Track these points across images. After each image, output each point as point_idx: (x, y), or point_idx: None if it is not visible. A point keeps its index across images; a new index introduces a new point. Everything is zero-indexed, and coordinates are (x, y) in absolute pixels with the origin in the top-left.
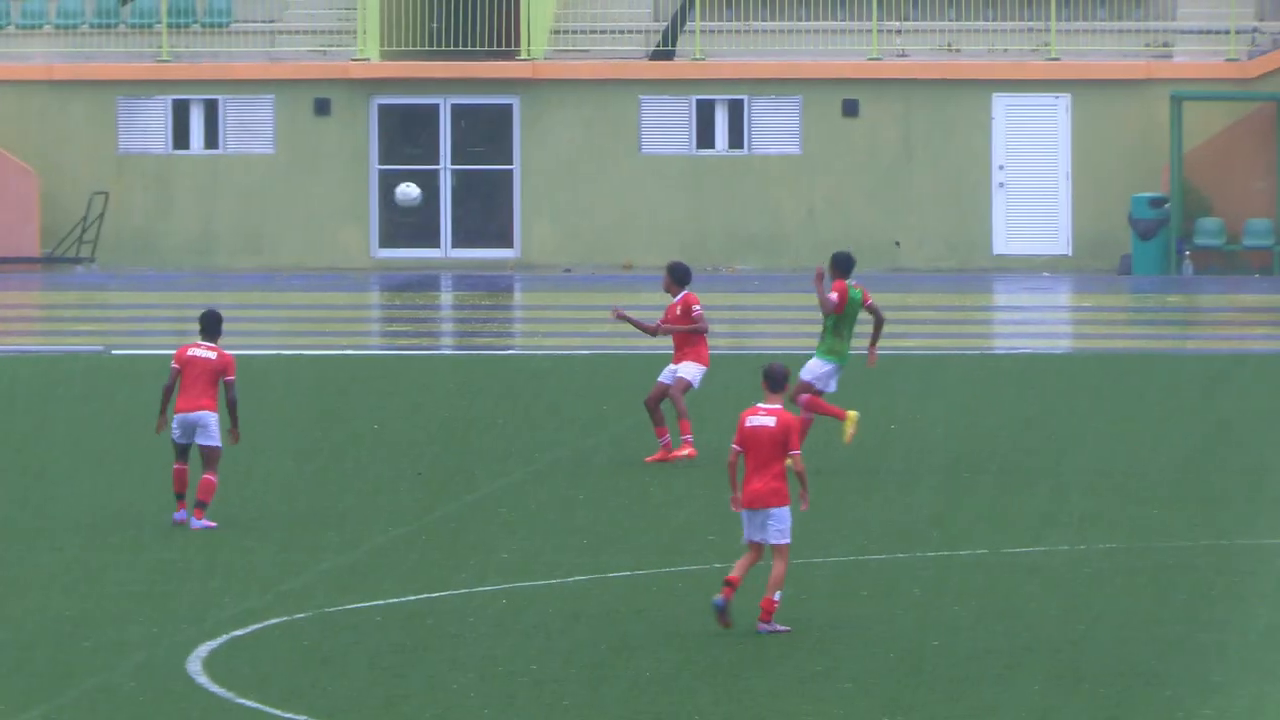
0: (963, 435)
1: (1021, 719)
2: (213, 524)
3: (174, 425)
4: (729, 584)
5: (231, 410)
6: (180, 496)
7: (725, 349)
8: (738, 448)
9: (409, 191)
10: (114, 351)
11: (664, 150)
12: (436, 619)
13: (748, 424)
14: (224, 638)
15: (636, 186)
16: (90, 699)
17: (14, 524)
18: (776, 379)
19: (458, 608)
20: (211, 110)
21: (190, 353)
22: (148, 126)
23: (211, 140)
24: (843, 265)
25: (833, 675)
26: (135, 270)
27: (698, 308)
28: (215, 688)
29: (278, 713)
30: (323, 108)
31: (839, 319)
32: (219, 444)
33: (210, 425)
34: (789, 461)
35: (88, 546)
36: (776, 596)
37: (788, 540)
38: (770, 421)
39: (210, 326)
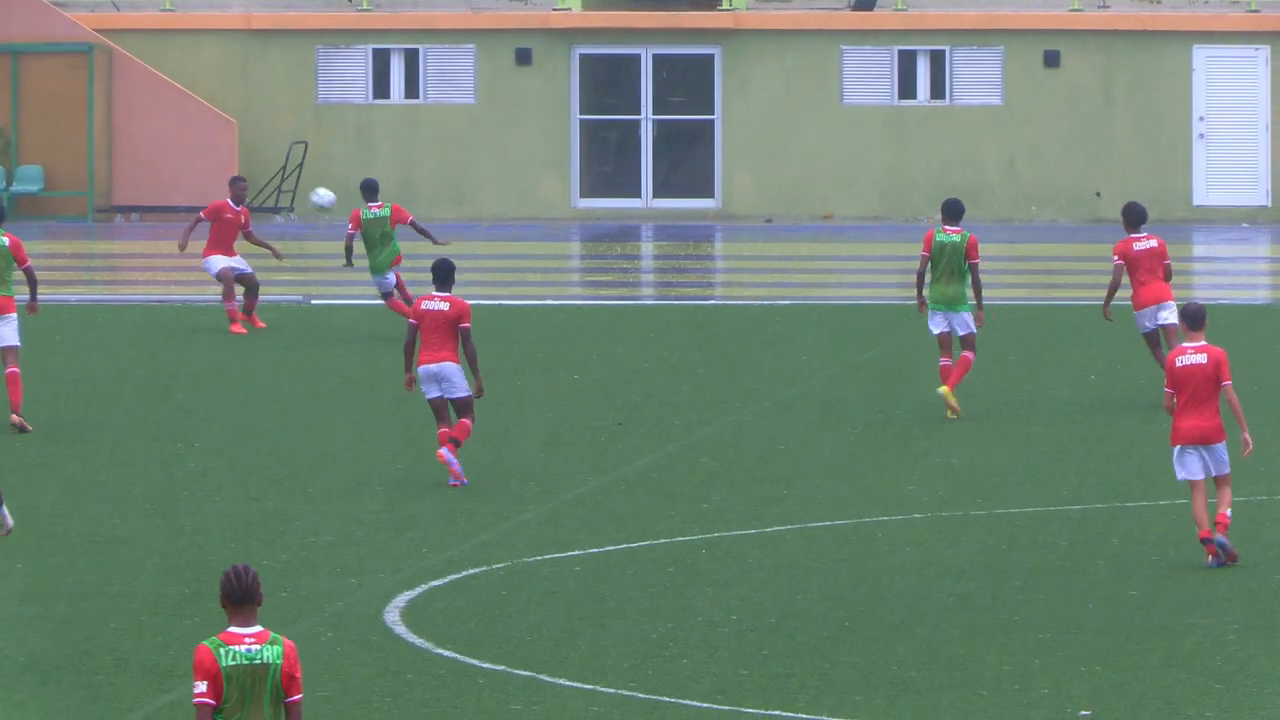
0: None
1: (1218, 667)
2: (456, 466)
3: (421, 383)
4: (1206, 541)
5: (471, 362)
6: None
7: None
8: (1170, 390)
9: (322, 198)
10: (313, 301)
11: (865, 101)
12: (636, 569)
13: (1178, 364)
14: (421, 588)
15: (837, 137)
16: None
17: (212, 475)
18: (1195, 318)
19: (657, 558)
20: (412, 60)
21: (424, 306)
22: (348, 76)
23: (412, 90)
24: (951, 212)
25: (1031, 625)
26: (335, 220)
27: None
28: (413, 637)
29: (476, 662)
30: (524, 57)
31: (931, 264)
32: (467, 392)
33: (453, 376)
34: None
35: (286, 497)
36: (1228, 512)
37: (1229, 470)
38: (1201, 359)
39: (442, 276)
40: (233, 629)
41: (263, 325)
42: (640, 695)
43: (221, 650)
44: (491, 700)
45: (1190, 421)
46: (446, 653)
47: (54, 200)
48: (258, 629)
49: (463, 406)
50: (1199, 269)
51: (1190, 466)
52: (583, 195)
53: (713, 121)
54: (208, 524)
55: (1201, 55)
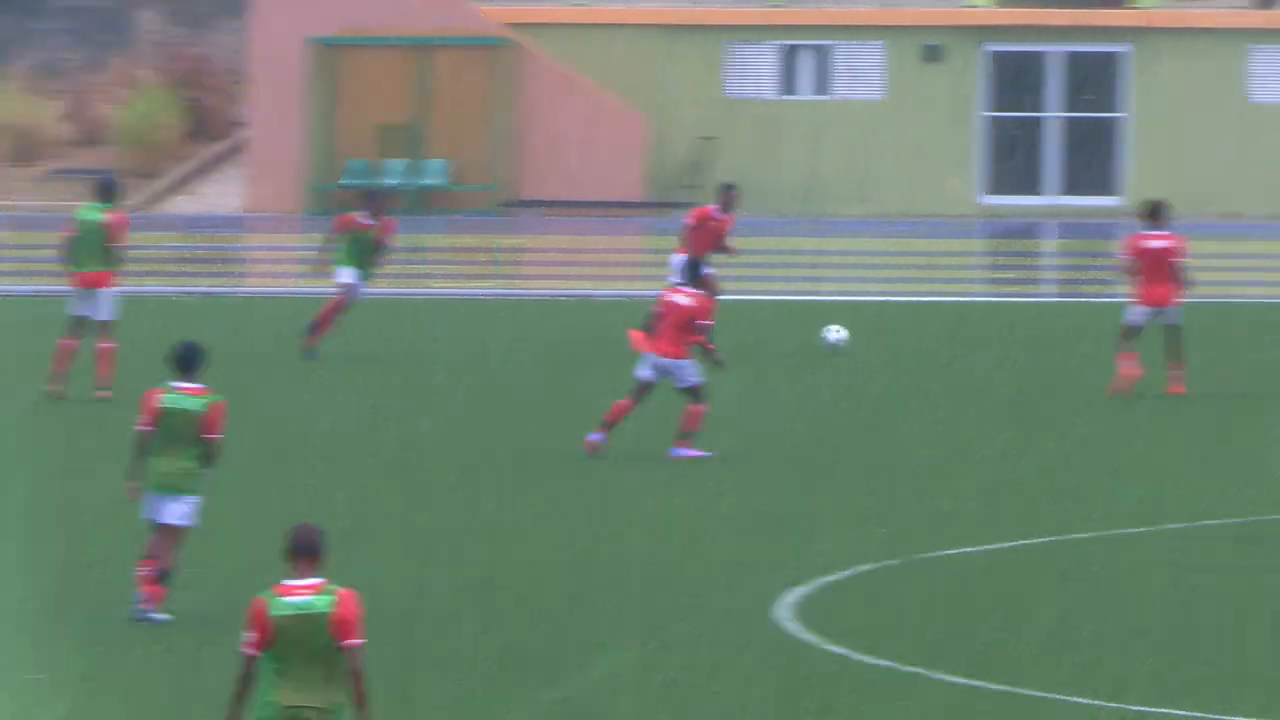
0: None
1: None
2: (697, 452)
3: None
4: None
5: (704, 349)
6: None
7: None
8: None
9: (836, 339)
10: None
11: (1273, 99)
12: (1027, 566)
13: None
14: (815, 583)
15: (1244, 135)
16: (671, 645)
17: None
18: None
19: (1048, 555)
20: (822, 55)
21: (669, 298)
22: (757, 71)
23: (821, 86)
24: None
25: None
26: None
27: None
28: (805, 634)
29: (867, 659)
30: (933, 54)
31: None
32: (693, 380)
33: (676, 370)
34: None
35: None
36: None
37: None
38: None
39: (691, 272)
40: (288, 581)
41: None
42: (1025, 692)
43: (273, 601)
44: (874, 695)
45: None
46: (837, 649)
47: (460, 194)
48: (315, 580)
49: (690, 393)
50: (1241, 266)
51: None
52: (988, 192)
53: (1121, 119)
54: (610, 522)
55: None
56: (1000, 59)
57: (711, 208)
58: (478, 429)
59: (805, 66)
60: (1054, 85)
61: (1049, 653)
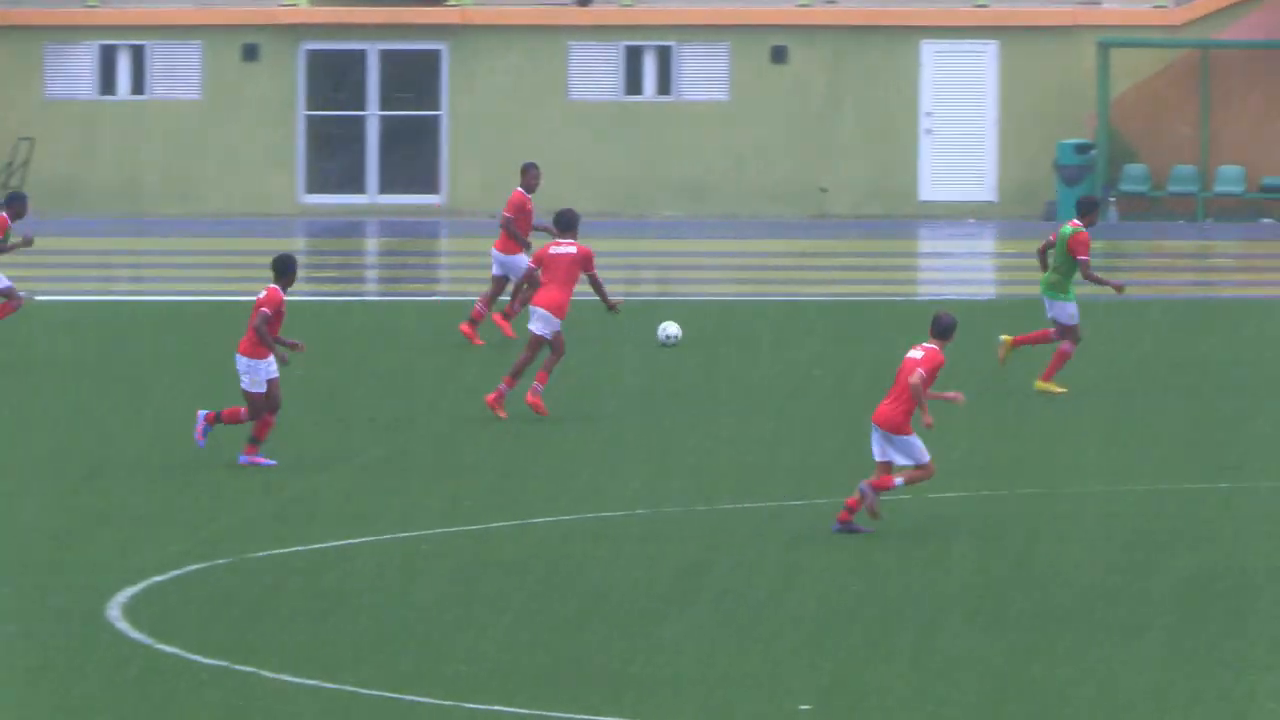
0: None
1: (937, 665)
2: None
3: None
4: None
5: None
6: None
7: (652, 295)
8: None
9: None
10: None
11: (592, 97)
12: (358, 564)
13: None
14: (145, 583)
15: (564, 133)
16: (8, 644)
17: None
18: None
19: (380, 553)
20: (139, 55)
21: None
22: (75, 72)
23: (139, 86)
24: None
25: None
26: (58, 217)
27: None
28: (135, 634)
29: (198, 658)
30: (251, 53)
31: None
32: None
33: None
34: None
35: (14, 492)
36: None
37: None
38: None
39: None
40: None
41: None
42: (362, 691)
43: None
44: (212, 696)
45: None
46: (167, 648)
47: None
48: None
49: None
50: (925, 265)
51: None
52: (308, 191)
53: (439, 117)
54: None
55: (929, 50)
56: (319, 58)
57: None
58: None
59: (124, 65)
60: (373, 84)
61: (382, 651)
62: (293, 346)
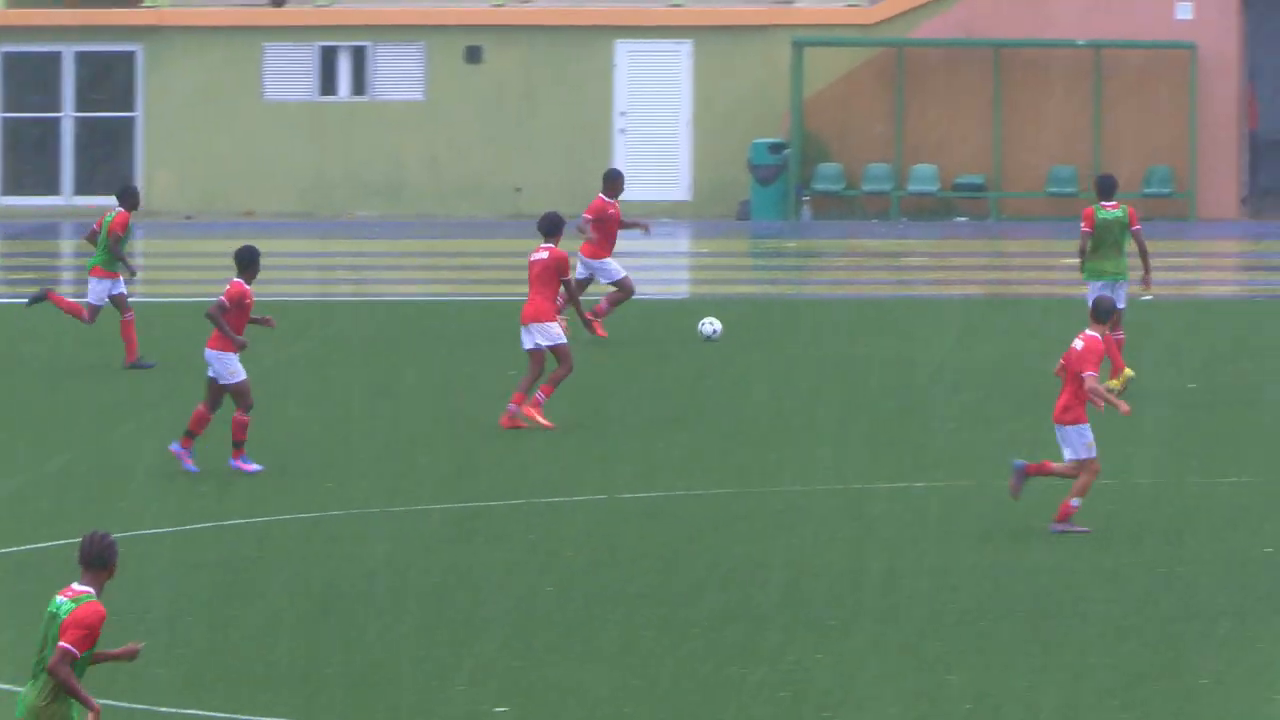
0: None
1: (632, 664)
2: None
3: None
4: None
5: None
6: None
7: (348, 296)
8: None
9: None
10: None
11: (287, 97)
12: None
13: None
14: None
15: (259, 134)
16: None
17: None
18: None
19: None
20: None
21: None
22: None
23: None
24: (1103, 188)
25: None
26: None
27: None
28: None
29: None
30: None
31: (1096, 240)
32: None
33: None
34: None
35: None
36: None
37: None
38: None
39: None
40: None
41: None
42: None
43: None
44: None
45: None
46: None
47: None
48: (78, 587)
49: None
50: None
51: None
52: (5, 193)
53: (134, 118)
54: None
55: (623, 50)
56: (14, 60)
57: None
58: None
59: None
60: (68, 85)
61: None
62: (264, 322)
